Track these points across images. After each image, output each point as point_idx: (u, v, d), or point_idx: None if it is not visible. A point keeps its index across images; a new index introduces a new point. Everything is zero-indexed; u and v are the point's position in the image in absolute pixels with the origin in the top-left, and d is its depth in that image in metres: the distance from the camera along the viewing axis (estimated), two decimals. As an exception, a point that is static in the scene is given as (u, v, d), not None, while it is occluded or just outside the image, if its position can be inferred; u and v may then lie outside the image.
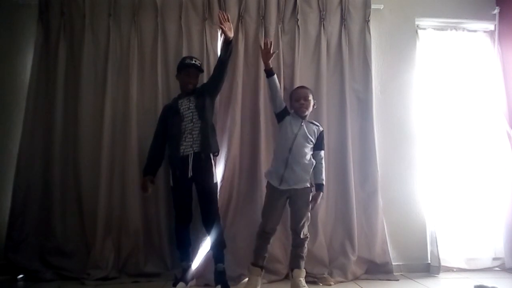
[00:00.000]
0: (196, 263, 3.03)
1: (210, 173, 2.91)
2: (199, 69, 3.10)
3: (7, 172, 3.22)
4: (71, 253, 3.13)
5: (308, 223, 2.87)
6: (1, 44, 3.37)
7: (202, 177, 2.88)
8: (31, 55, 3.30)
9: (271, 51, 2.90)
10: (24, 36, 3.39)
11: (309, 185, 2.85)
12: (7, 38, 3.38)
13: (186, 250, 2.95)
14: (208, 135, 2.90)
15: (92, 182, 3.20)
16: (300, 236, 2.81)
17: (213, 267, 2.85)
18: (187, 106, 2.96)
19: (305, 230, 2.83)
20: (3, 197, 3.22)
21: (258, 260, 2.83)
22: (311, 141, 2.86)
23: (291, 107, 2.96)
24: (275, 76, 2.92)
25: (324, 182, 2.90)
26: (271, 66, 2.92)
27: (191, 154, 2.84)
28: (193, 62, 3.06)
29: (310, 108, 2.92)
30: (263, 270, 2.87)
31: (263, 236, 2.83)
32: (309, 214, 2.86)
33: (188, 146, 2.87)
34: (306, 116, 2.92)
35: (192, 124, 2.90)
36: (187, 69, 3.02)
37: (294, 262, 2.84)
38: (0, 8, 3.39)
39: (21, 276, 3.06)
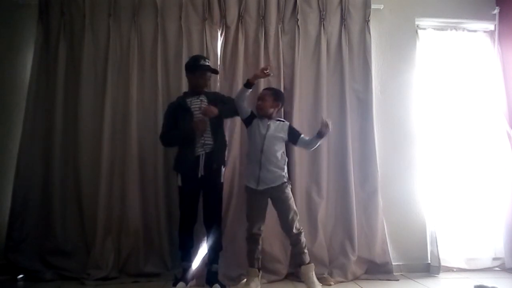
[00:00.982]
0: (196, 263, 3.02)
1: (219, 173, 2.95)
2: (215, 72, 3.09)
3: (7, 172, 3.22)
4: (71, 253, 3.13)
5: (297, 217, 2.86)
6: (1, 44, 3.37)
7: (212, 177, 2.90)
8: (31, 55, 3.30)
9: (269, 73, 2.86)
10: (24, 36, 3.39)
11: (285, 180, 2.86)
12: (7, 38, 3.38)
13: (189, 251, 2.93)
14: (219, 136, 2.94)
15: (92, 182, 3.20)
16: (293, 232, 2.82)
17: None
18: (198, 106, 2.92)
19: (296, 224, 2.83)
20: (3, 197, 3.22)
21: (253, 262, 2.86)
22: (282, 138, 2.89)
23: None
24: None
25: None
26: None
27: (202, 154, 2.84)
28: (208, 63, 3.03)
29: (270, 109, 2.91)
30: (261, 271, 2.89)
31: (252, 238, 2.86)
32: (295, 207, 2.87)
33: (200, 146, 2.86)
34: (269, 115, 2.92)
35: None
36: (204, 71, 2.98)
37: (298, 259, 2.86)
38: (0, 8, 3.39)
39: (21, 276, 3.06)
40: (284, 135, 2.90)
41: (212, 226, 2.89)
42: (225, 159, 3.07)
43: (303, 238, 2.84)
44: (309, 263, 2.82)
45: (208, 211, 2.91)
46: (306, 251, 2.83)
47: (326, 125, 2.78)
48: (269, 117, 2.93)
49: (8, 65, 3.38)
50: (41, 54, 3.30)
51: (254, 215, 2.86)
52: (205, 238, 2.94)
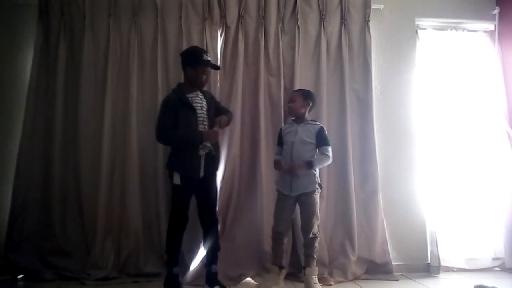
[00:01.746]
0: (194, 264, 3.04)
1: (216, 175, 2.97)
2: (217, 68, 3.05)
3: (7, 172, 3.22)
4: (71, 253, 3.13)
5: (318, 222, 2.89)
6: (1, 44, 3.37)
7: (212, 178, 2.91)
8: (31, 55, 3.29)
9: None
10: (24, 36, 3.38)
11: (317, 186, 2.87)
12: (7, 38, 3.38)
13: (178, 254, 2.86)
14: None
15: (92, 182, 3.20)
16: (309, 235, 2.84)
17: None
18: (200, 105, 2.84)
19: (314, 229, 2.85)
20: (3, 197, 3.22)
21: (275, 260, 2.91)
22: (311, 143, 2.87)
23: None
24: (313, 162, 2.85)
25: (314, 163, 2.84)
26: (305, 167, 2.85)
27: (203, 155, 2.81)
28: (209, 58, 2.91)
29: (301, 109, 2.93)
30: (282, 270, 2.92)
31: (275, 237, 2.92)
32: (318, 212, 2.89)
33: (203, 147, 2.80)
34: (301, 115, 2.93)
35: (202, 126, 2.83)
36: (205, 67, 2.87)
37: (305, 261, 2.88)
38: (0, 8, 3.38)
39: (21, 276, 3.06)
40: (313, 140, 2.87)
41: (211, 227, 2.89)
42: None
43: (316, 243, 2.86)
44: (314, 267, 2.85)
45: (206, 212, 2.89)
46: (316, 256, 2.85)
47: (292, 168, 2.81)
48: (302, 118, 2.94)
49: (8, 65, 3.37)
50: (41, 54, 3.29)
51: (280, 215, 2.91)
52: (203, 239, 2.93)
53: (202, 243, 2.94)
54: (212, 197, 2.94)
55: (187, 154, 2.79)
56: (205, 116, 2.84)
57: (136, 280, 3.05)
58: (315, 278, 2.83)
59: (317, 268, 2.87)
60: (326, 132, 2.93)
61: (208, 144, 2.80)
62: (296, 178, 2.83)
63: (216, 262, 2.87)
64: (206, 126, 2.83)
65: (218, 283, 2.83)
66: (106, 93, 3.27)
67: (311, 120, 2.98)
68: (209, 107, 2.89)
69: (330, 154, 2.87)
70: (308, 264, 2.86)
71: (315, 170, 2.87)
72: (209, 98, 2.95)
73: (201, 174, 2.80)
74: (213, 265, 2.86)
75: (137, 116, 3.27)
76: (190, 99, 2.82)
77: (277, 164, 2.91)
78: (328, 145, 2.88)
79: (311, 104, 2.98)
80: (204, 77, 2.88)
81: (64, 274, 3.06)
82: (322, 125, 2.96)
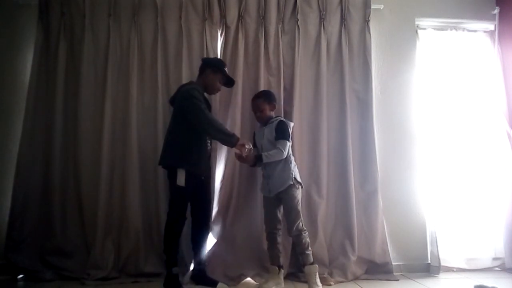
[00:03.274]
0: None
1: (211, 176, 3.04)
2: (231, 83, 3.11)
3: (7, 172, 3.22)
4: (71, 253, 3.13)
5: (300, 218, 2.85)
6: (1, 44, 3.37)
7: (210, 182, 3.02)
8: (31, 55, 3.29)
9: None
10: (24, 36, 3.39)
11: (292, 182, 2.86)
12: (7, 38, 3.38)
13: (177, 254, 2.90)
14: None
15: (92, 182, 3.20)
16: (292, 232, 2.84)
17: (213, 267, 2.90)
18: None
19: (298, 225, 2.83)
20: (3, 197, 3.22)
21: (272, 260, 2.94)
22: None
23: None
24: (262, 157, 2.85)
25: (264, 158, 2.83)
26: (254, 161, 2.86)
27: (208, 156, 2.91)
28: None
29: (269, 113, 2.98)
30: (281, 269, 2.93)
31: (268, 237, 2.96)
32: (299, 208, 2.88)
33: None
34: (267, 121, 2.98)
35: None
36: (224, 76, 3.01)
37: (301, 260, 2.86)
38: (0, 8, 3.38)
39: (21, 276, 3.06)
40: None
41: (206, 228, 2.97)
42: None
43: (304, 239, 2.83)
44: (312, 263, 2.82)
45: (205, 211, 2.94)
46: (308, 252, 2.83)
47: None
48: (268, 119, 2.98)
49: (8, 65, 3.37)
50: (41, 54, 3.29)
51: (269, 216, 2.96)
52: (195, 241, 2.98)
53: (192, 246, 2.98)
54: (209, 198, 3.03)
55: (196, 151, 2.80)
56: None
57: (136, 280, 3.04)
58: (315, 277, 2.80)
59: (316, 265, 2.84)
60: (289, 125, 2.94)
61: (209, 147, 2.88)
62: (271, 179, 2.89)
63: (204, 261, 2.97)
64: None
65: (209, 278, 2.89)
66: (106, 93, 3.27)
67: (274, 118, 3.00)
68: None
69: (283, 148, 2.83)
70: (303, 262, 2.83)
71: (291, 168, 2.88)
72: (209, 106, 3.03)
73: (206, 174, 2.88)
74: (202, 264, 2.94)
75: (137, 116, 3.26)
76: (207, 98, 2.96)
77: (239, 159, 2.86)
78: (283, 138, 2.86)
79: (275, 104, 3.04)
80: (218, 86, 3.00)
81: (64, 274, 3.06)
82: (282, 119, 2.99)
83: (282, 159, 2.87)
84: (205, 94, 3.02)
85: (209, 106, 2.96)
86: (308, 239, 2.85)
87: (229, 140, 2.74)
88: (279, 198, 2.91)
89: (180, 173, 2.75)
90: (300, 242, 2.83)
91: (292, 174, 2.88)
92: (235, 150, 2.80)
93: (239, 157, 2.81)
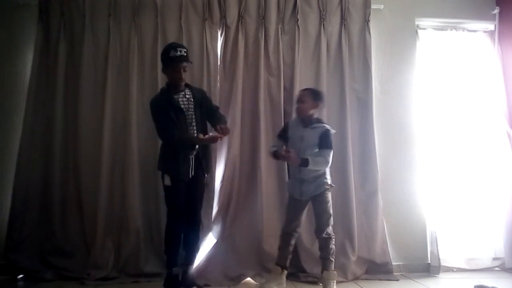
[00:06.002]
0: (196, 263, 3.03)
1: (204, 175, 2.95)
2: (186, 60, 2.80)
3: (7, 172, 3.22)
4: (71, 253, 3.13)
5: (331, 222, 2.83)
6: (1, 44, 3.37)
7: (200, 178, 2.89)
8: (31, 55, 3.29)
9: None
10: (24, 36, 3.38)
11: (327, 187, 2.83)
12: (7, 38, 3.38)
13: (177, 255, 2.86)
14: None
15: (92, 182, 3.20)
16: (322, 235, 2.79)
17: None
18: (186, 106, 2.81)
19: (328, 229, 2.80)
20: (3, 197, 3.22)
21: (279, 259, 2.88)
22: (318, 146, 2.80)
23: None
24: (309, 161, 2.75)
25: (309, 163, 2.73)
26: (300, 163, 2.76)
27: (192, 157, 2.79)
28: (179, 53, 2.73)
29: (309, 111, 2.84)
30: (285, 270, 2.89)
31: (283, 237, 2.89)
32: (331, 212, 2.84)
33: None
34: (305, 120, 2.85)
35: (191, 127, 2.81)
36: (176, 64, 2.74)
37: (322, 264, 2.82)
38: (0, 8, 3.38)
39: (21, 276, 3.06)
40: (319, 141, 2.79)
41: (193, 226, 2.87)
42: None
43: (331, 245, 2.80)
44: (333, 270, 2.79)
45: (188, 209, 2.85)
46: (332, 259, 2.80)
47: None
48: (309, 120, 2.85)
49: (8, 65, 3.37)
50: (41, 54, 3.29)
51: (290, 215, 2.89)
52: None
53: (182, 242, 2.90)
54: (197, 196, 2.90)
55: (176, 157, 2.75)
56: (193, 116, 2.81)
57: (136, 280, 3.04)
58: (332, 284, 2.76)
59: (335, 272, 2.80)
60: (332, 133, 2.84)
61: (197, 146, 2.79)
62: (305, 183, 2.80)
63: (193, 262, 2.89)
64: (194, 127, 2.80)
65: (195, 283, 2.84)
66: (106, 93, 3.27)
67: (318, 122, 2.88)
68: (199, 106, 2.84)
69: (329, 158, 2.77)
70: (325, 267, 2.79)
71: (326, 172, 2.83)
72: (199, 97, 2.88)
73: (191, 175, 2.80)
74: (189, 265, 2.87)
75: (137, 116, 3.26)
76: (175, 99, 2.78)
77: (274, 155, 2.86)
78: (329, 148, 2.79)
79: (319, 106, 2.91)
80: (176, 74, 2.76)
81: (64, 274, 3.06)
82: (328, 128, 2.84)
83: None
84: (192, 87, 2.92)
85: (175, 107, 2.76)
86: (334, 246, 2.82)
87: (191, 143, 2.74)
88: (311, 200, 2.86)
89: (166, 176, 2.79)
90: (326, 247, 2.79)
91: (327, 179, 2.84)
92: (282, 152, 2.78)
93: (284, 157, 2.79)
